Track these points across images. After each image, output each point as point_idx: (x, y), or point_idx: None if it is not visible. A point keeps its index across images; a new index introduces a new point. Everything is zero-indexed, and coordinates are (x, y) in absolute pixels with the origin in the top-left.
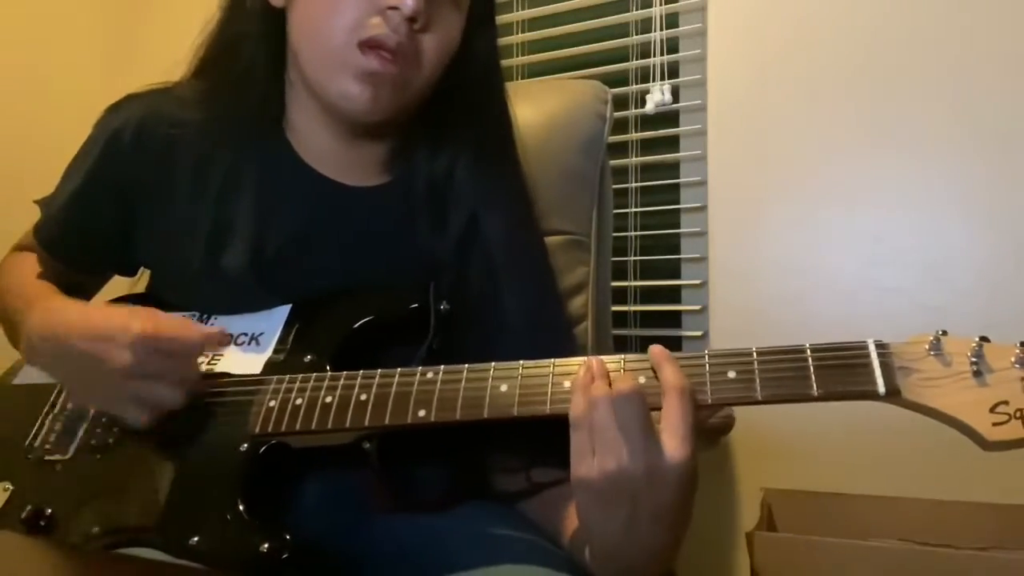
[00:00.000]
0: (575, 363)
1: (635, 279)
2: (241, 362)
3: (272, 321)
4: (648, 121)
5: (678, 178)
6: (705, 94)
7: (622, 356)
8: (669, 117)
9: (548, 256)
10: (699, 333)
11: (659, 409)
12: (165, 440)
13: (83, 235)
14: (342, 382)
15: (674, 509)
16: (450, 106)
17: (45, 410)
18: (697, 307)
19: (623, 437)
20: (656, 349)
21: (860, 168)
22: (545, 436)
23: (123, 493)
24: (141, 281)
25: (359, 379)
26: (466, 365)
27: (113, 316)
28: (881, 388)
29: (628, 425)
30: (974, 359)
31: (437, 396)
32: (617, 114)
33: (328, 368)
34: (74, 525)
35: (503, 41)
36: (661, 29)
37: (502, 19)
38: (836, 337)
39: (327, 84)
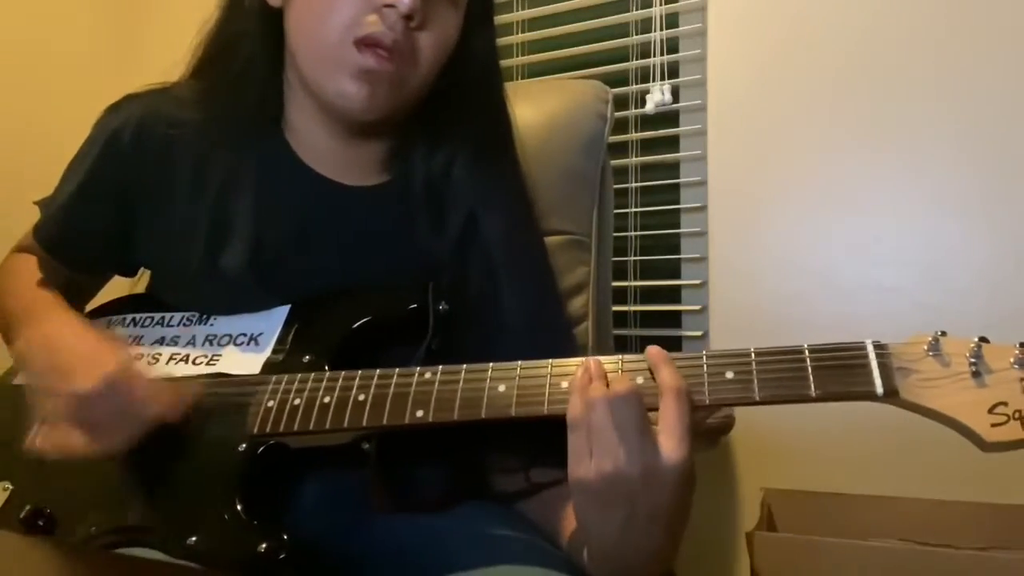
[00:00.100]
0: (573, 363)
1: (635, 279)
2: (240, 362)
3: (271, 321)
4: (648, 121)
5: (678, 178)
6: (705, 94)
7: (620, 357)
8: (669, 117)
9: (548, 256)
10: (699, 333)
11: (657, 410)
12: (164, 440)
13: (82, 235)
14: (340, 382)
15: (671, 510)
16: (448, 105)
17: None
18: (697, 307)
19: (620, 438)
20: (653, 350)
21: (860, 168)
22: (544, 436)
23: (122, 493)
24: (141, 282)
25: (357, 379)
26: (464, 365)
27: (104, 345)
28: (879, 389)
29: (624, 426)
30: (973, 360)
31: (435, 396)
32: (617, 114)
33: (327, 368)
34: (73, 525)
35: (503, 41)
36: (661, 29)
37: (502, 19)
38: (836, 337)
39: (324, 83)
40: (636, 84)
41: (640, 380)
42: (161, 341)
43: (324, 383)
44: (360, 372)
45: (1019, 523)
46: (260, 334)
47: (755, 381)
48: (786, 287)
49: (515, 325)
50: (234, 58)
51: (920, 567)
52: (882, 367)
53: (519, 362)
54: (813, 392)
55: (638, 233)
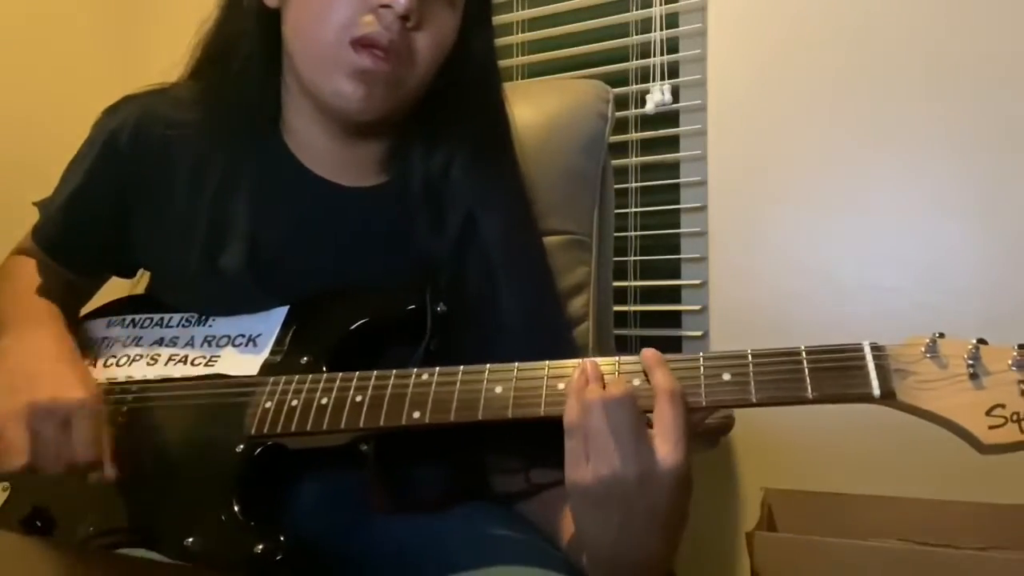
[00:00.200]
0: (570, 365)
1: (635, 279)
2: (238, 363)
3: (269, 322)
4: (648, 121)
5: (678, 178)
6: (705, 94)
7: (617, 358)
8: (669, 117)
9: (546, 256)
10: (699, 333)
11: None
12: (162, 441)
13: (81, 237)
14: (338, 383)
15: (668, 513)
16: (447, 106)
17: None
18: (697, 307)
19: (616, 442)
20: (648, 353)
21: (859, 168)
22: (544, 437)
23: (120, 494)
24: (140, 283)
25: (355, 380)
26: (461, 367)
27: (79, 372)
28: (876, 391)
29: (620, 430)
30: (971, 362)
31: (432, 398)
32: (617, 114)
33: (325, 369)
34: (71, 526)
35: (503, 41)
36: (661, 29)
37: (502, 19)
38: (835, 337)
39: (320, 83)
40: (636, 84)
41: (637, 382)
42: (160, 342)
43: (322, 384)
44: (357, 373)
45: (1019, 523)
46: (258, 335)
47: (752, 383)
48: (786, 287)
49: (513, 326)
50: (232, 59)
51: (920, 567)
52: (879, 369)
53: (516, 363)
54: (810, 394)
55: (638, 233)
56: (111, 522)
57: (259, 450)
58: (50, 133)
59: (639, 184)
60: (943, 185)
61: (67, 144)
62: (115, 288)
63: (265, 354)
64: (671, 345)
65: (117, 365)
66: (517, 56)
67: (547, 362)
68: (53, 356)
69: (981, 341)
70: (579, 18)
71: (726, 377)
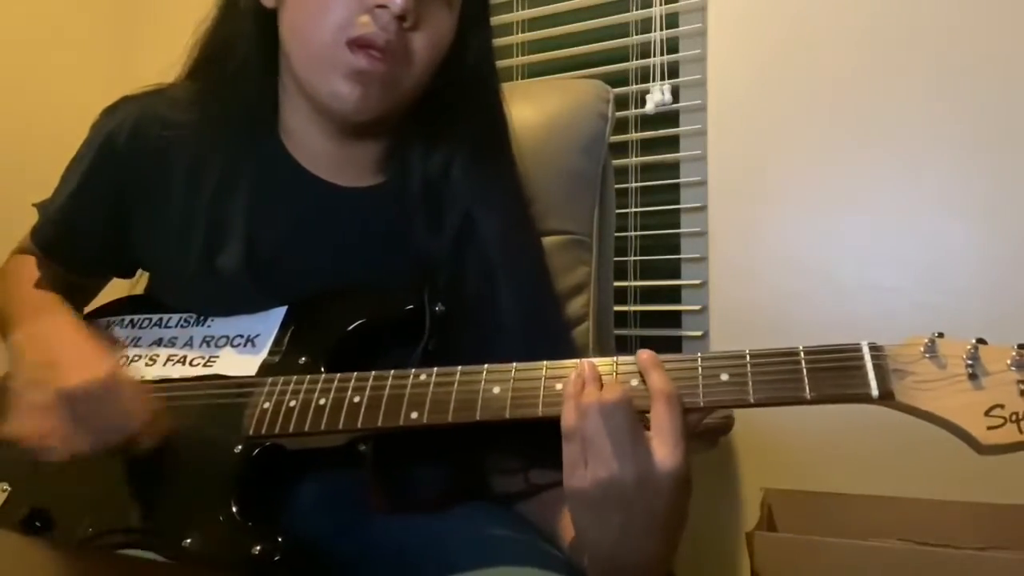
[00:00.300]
0: (568, 365)
1: (635, 279)
2: (236, 363)
3: (268, 323)
4: (648, 121)
5: (678, 178)
6: (705, 94)
7: (615, 359)
8: (669, 117)
9: (545, 256)
10: (699, 333)
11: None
12: (161, 441)
13: (80, 238)
14: (336, 384)
15: (667, 515)
16: (445, 106)
17: None
18: (697, 307)
19: (613, 446)
20: (644, 355)
21: (859, 168)
22: (543, 437)
23: (119, 495)
24: (140, 283)
25: (352, 381)
26: (459, 367)
27: (98, 349)
28: (874, 391)
29: (617, 433)
30: (969, 362)
31: (430, 398)
32: (617, 114)
33: (323, 370)
34: (71, 526)
35: (503, 41)
36: (661, 29)
37: (502, 19)
38: (835, 337)
39: (317, 84)
40: (636, 84)
41: (634, 383)
42: (159, 342)
43: (320, 385)
44: (355, 374)
45: (1019, 523)
46: (257, 335)
47: (750, 383)
48: (786, 287)
49: (512, 326)
50: (229, 59)
51: (920, 567)
52: (877, 369)
53: (514, 364)
54: (808, 394)
55: (638, 233)
56: (110, 522)
57: (257, 451)
58: (49, 134)
59: (639, 184)
60: (943, 185)
61: (66, 145)
62: (115, 288)
63: (263, 354)
64: (671, 345)
65: None
66: (517, 56)
67: (545, 362)
68: (68, 340)
69: (980, 341)
70: (579, 18)
71: (724, 377)
